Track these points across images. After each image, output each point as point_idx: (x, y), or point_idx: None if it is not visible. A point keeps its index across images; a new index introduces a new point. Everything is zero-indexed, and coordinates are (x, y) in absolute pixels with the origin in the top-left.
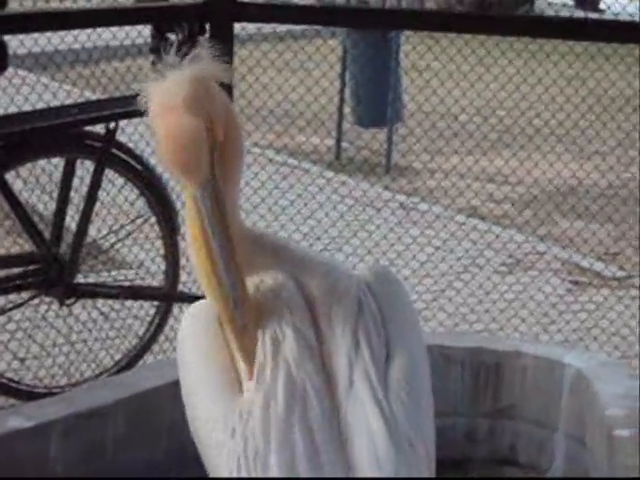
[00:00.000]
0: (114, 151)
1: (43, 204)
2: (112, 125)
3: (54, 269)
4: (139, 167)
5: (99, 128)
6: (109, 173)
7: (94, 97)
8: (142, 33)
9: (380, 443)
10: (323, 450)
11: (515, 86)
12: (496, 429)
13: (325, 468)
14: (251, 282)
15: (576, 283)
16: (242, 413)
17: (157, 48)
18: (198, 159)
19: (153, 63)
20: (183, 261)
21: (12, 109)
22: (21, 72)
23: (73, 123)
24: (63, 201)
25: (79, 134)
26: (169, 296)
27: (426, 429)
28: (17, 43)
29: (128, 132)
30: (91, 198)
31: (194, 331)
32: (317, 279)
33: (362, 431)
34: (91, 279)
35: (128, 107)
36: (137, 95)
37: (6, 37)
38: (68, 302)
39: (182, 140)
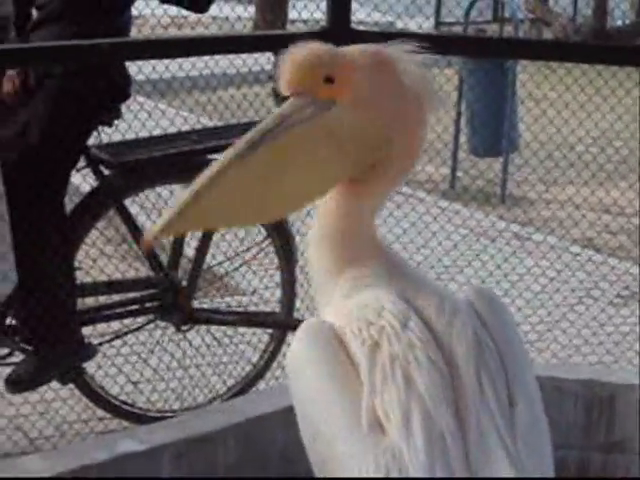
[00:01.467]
0: None
1: None
2: None
3: (170, 295)
4: None
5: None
6: None
7: (211, 124)
8: (258, 61)
9: None
10: None
11: (632, 117)
12: (608, 463)
13: None
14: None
15: None
16: (394, 453)
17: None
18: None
19: (274, 90)
20: (298, 289)
21: (130, 135)
22: (139, 98)
23: (192, 152)
24: None
25: (197, 162)
26: (285, 324)
27: (550, 474)
28: (135, 70)
29: None
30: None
31: (313, 354)
32: (432, 308)
33: None
34: (206, 305)
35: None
36: (254, 122)
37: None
38: (184, 328)
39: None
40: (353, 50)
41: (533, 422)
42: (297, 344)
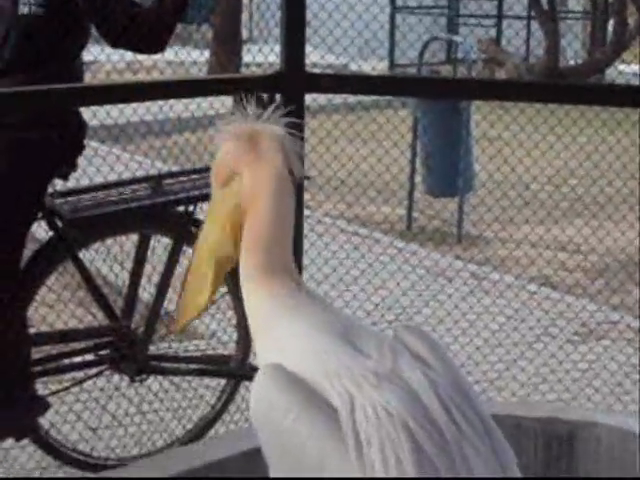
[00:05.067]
0: (192, 229)
1: (114, 275)
2: (191, 207)
3: (126, 344)
4: None
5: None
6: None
7: (165, 168)
8: (213, 105)
9: None
10: None
11: (586, 155)
12: None
13: None
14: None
15: None
16: None
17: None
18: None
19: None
20: None
21: (84, 181)
22: (93, 144)
23: (148, 206)
24: (136, 275)
25: (157, 214)
26: (241, 367)
27: None
28: (90, 115)
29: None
30: (167, 274)
31: (281, 390)
32: (373, 350)
33: None
34: (162, 351)
35: (207, 185)
36: (210, 168)
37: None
38: (139, 378)
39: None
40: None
41: (508, 449)
42: (264, 388)
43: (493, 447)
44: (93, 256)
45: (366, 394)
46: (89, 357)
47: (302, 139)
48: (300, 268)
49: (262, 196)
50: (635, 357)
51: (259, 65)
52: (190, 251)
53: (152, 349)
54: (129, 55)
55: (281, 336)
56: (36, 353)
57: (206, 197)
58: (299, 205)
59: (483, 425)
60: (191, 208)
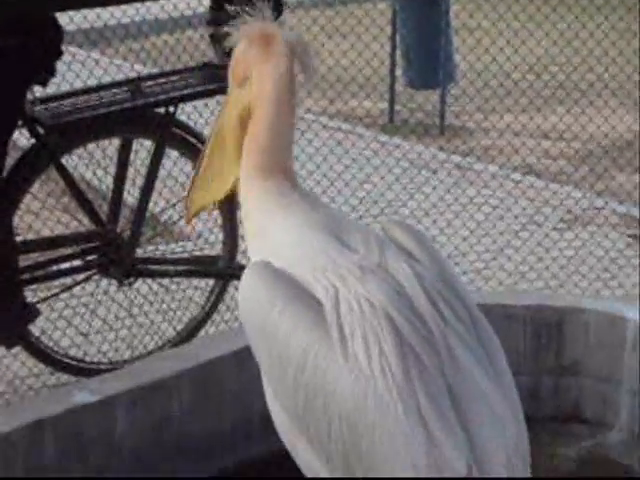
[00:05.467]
0: (173, 130)
1: (98, 179)
2: (172, 108)
3: (112, 248)
4: (198, 144)
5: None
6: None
7: (145, 71)
8: (190, 5)
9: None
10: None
11: (567, 41)
12: (560, 386)
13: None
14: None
15: (635, 237)
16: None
17: (214, 20)
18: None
19: (211, 36)
20: (241, 230)
21: (64, 87)
22: (71, 49)
23: (133, 108)
24: (120, 180)
25: (137, 116)
26: (229, 267)
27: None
28: (67, 20)
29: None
30: (150, 177)
31: (267, 285)
32: (360, 244)
33: (478, 396)
34: (150, 254)
35: (187, 86)
36: (193, 69)
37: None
38: (127, 281)
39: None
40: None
41: (493, 337)
42: (250, 285)
43: (479, 336)
44: (76, 162)
45: (351, 287)
46: (77, 263)
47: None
48: None
49: (264, 100)
50: (621, 242)
51: None
52: (173, 153)
53: (139, 252)
54: None
55: (274, 238)
56: (23, 261)
57: (186, 98)
58: None
59: (469, 315)
60: (172, 109)
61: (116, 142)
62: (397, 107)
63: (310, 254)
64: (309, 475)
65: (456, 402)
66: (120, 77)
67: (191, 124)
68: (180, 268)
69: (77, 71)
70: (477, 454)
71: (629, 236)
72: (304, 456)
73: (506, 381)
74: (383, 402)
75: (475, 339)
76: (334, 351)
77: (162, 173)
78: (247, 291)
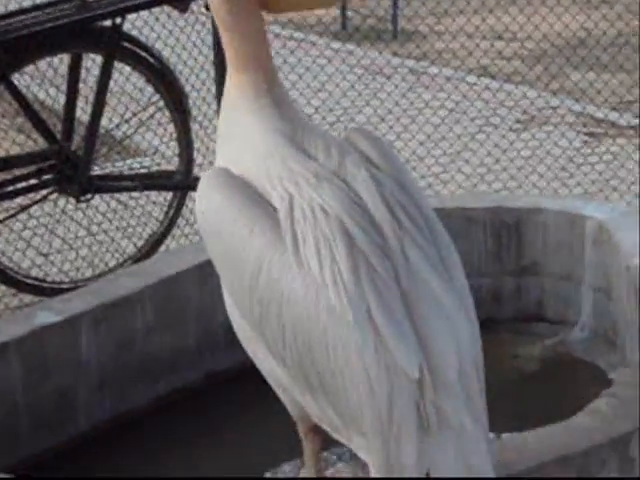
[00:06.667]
0: (121, 43)
1: (51, 98)
2: (118, 19)
3: (68, 165)
4: (148, 57)
5: None
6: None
7: None
8: None
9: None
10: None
11: None
12: (521, 286)
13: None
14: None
15: (592, 135)
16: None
17: None
18: None
19: None
20: (197, 144)
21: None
22: None
23: (78, 21)
24: (72, 96)
25: (85, 30)
26: (185, 179)
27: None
28: None
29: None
30: (101, 92)
31: (222, 191)
32: (320, 151)
33: (431, 301)
34: (107, 170)
35: None
36: None
37: None
38: (84, 198)
39: None
40: None
41: (449, 242)
42: (206, 192)
43: (435, 241)
44: (28, 82)
45: (305, 194)
46: (33, 182)
47: None
48: None
49: None
50: (577, 141)
51: None
52: (124, 67)
53: (96, 169)
54: None
55: (237, 144)
56: None
57: (132, 9)
58: None
59: (425, 220)
60: (118, 21)
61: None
62: (349, 13)
63: (269, 162)
64: (271, 382)
65: (409, 307)
66: None
67: (142, 38)
68: (137, 183)
69: None
70: (429, 358)
71: (585, 134)
72: (265, 364)
73: (460, 285)
74: (334, 309)
75: (431, 244)
76: (287, 258)
77: (116, 89)
78: (202, 199)
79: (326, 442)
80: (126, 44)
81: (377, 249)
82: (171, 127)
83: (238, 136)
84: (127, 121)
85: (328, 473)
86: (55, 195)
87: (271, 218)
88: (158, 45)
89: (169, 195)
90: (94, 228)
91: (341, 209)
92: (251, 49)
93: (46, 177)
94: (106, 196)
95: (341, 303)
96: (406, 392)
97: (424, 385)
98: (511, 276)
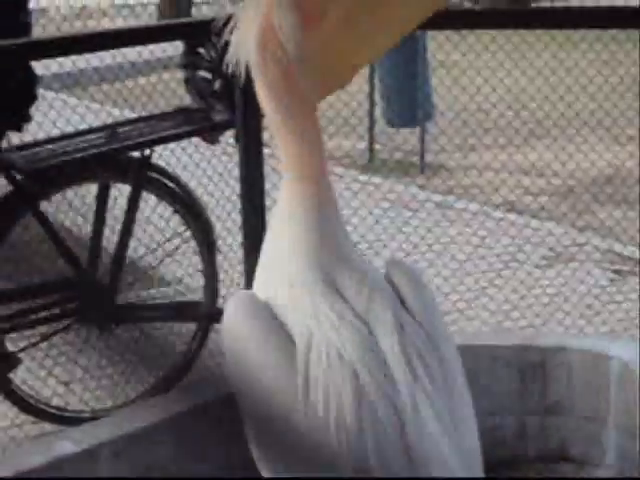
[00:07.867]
0: (149, 174)
1: (77, 226)
2: (147, 151)
3: (92, 294)
4: (175, 188)
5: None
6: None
7: (121, 117)
8: (165, 49)
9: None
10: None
11: (544, 78)
12: (546, 426)
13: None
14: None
15: (618, 272)
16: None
17: (189, 64)
18: None
19: (186, 80)
20: (221, 275)
21: (40, 133)
22: (49, 94)
23: (108, 151)
24: (99, 226)
25: (113, 161)
26: (210, 311)
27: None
28: (43, 67)
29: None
30: (128, 222)
31: (246, 318)
32: (352, 289)
33: (436, 461)
34: (131, 300)
35: (162, 129)
36: (169, 114)
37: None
38: (107, 328)
39: None
40: None
41: (468, 400)
42: (229, 316)
43: (451, 395)
44: (55, 210)
45: (325, 334)
46: (57, 310)
47: None
48: (262, 213)
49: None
50: (604, 278)
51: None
52: (150, 197)
53: (119, 299)
54: (78, 2)
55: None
56: (2, 310)
57: (161, 140)
58: (258, 145)
59: (444, 374)
60: (147, 152)
61: (95, 190)
62: (376, 147)
63: (297, 293)
64: None
65: (412, 462)
66: (97, 123)
67: (169, 168)
68: (161, 314)
69: (54, 119)
70: None
71: (612, 272)
72: None
73: (469, 446)
74: (334, 458)
75: (445, 399)
76: (297, 398)
77: (141, 218)
78: (226, 320)
79: None
80: (154, 174)
81: (388, 403)
82: (196, 258)
83: (274, 258)
84: (153, 251)
85: None
86: (78, 324)
87: (289, 355)
88: (184, 175)
89: (193, 326)
90: (116, 358)
91: (356, 356)
92: (306, 151)
93: (70, 306)
94: (129, 325)
95: (342, 453)
96: None
97: None
98: (535, 415)
